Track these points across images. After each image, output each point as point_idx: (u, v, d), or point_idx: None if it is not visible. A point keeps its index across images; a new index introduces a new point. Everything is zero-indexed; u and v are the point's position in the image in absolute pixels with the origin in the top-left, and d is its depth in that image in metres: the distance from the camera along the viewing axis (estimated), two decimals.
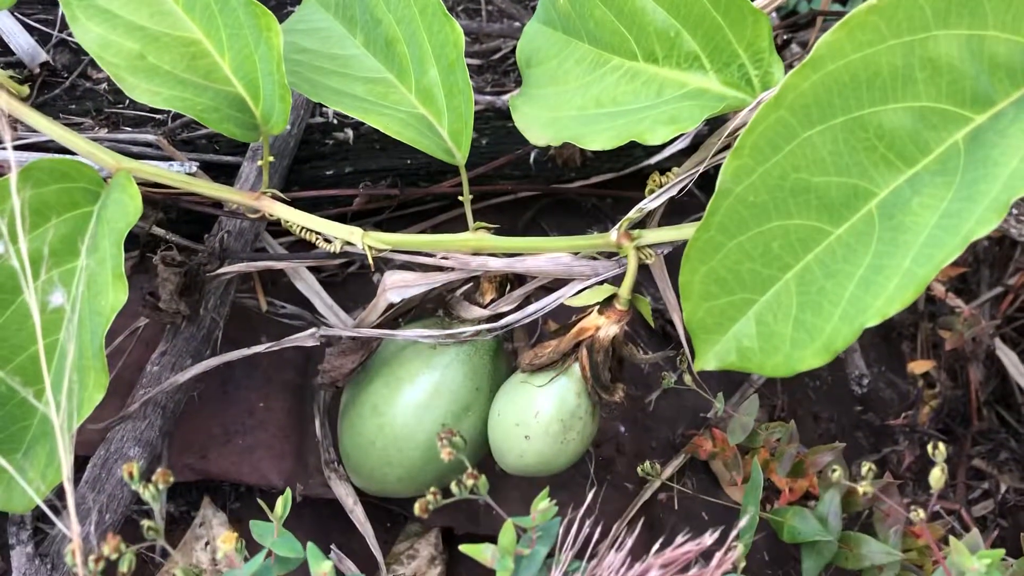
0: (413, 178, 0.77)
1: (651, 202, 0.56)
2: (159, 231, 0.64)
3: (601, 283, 0.58)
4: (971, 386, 0.98)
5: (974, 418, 0.97)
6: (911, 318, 1.01)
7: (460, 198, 0.61)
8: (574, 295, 0.57)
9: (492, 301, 0.62)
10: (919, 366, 0.95)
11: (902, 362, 1.01)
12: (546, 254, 0.58)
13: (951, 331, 0.93)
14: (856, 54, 0.42)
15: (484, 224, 0.61)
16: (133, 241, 0.65)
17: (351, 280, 0.78)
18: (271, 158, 0.61)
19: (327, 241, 0.59)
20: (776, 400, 0.86)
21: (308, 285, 0.72)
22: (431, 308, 0.65)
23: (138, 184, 0.53)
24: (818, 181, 0.43)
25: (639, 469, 0.63)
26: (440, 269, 0.61)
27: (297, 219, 0.58)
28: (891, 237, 0.42)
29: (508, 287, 0.63)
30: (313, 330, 0.60)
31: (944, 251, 0.40)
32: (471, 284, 0.64)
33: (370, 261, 0.57)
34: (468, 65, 0.89)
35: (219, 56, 0.55)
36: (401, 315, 0.65)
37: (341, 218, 0.74)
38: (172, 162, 0.69)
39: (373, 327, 0.62)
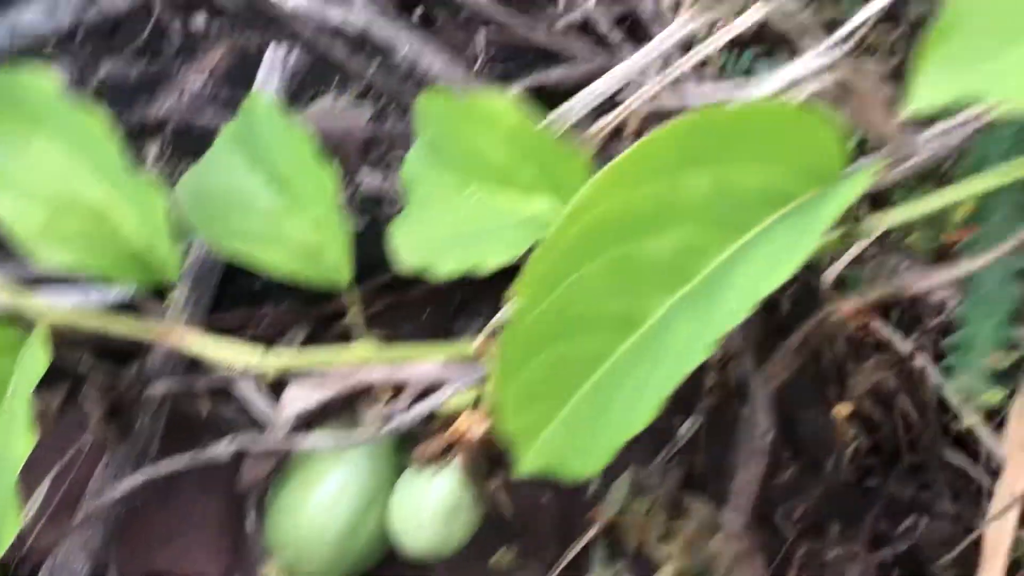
0: None
1: (505, 314, 0.64)
2: (88, 360, 0.72)
3: (472, 385, 0.65)
4: (901, 421, 1.03)
5: (904, 453, 1.01)
6: (836, 362, 1.06)
7: (347, 317, 0.69)
8: (447, 398, 0.65)
9: (388, 401, 0.70)
10: (842, 409, 1.00)
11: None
12: (420, 363, 0.65)
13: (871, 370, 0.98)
14: (616, 199, 0.49)
15: (372, 335, 0.68)
16: (63, 374, 0.74)
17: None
18: (186, 290, 0.70)
19: (232, 365, 0.67)
20: (697, 455, 0.91)
21: (242, 389, 0.80)
22: (341, 409, 0.73)
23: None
24: (597, 310, 0.50)
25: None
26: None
27: (204, 350, 0.66)
28: (659, 355, 0.49)
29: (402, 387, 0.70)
30: (226, 442, 0.68)
31: (681, 371, 0.47)
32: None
33: (266, 381, 0.65)
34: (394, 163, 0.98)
35: (120, 221, 0.63)
36: (314, 420, 0.72)
37: (286, 319, 0.83)
38: (109, 289, 0.77)
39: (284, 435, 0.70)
